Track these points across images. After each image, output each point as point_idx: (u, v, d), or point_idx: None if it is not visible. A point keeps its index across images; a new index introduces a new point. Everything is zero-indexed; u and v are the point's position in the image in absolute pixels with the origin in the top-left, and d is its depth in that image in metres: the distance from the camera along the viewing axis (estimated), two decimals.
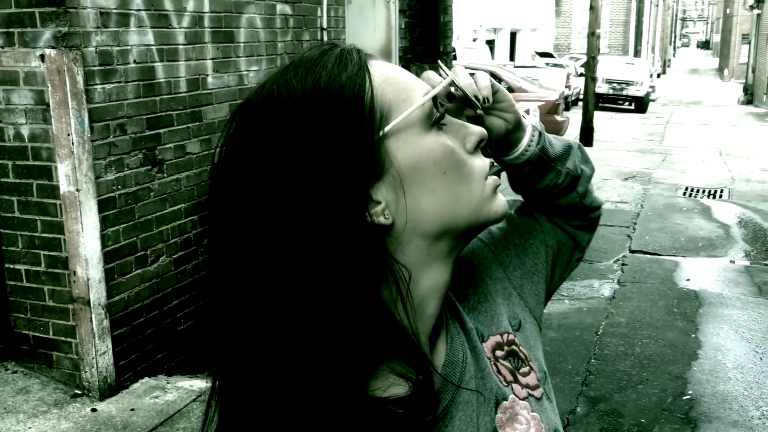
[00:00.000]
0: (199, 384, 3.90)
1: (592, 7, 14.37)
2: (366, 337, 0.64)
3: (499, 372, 0.80)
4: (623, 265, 6.67)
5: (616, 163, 12.25)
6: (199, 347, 4.23)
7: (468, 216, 0.71)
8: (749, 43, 30.21)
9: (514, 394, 0.80)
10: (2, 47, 3.31)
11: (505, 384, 0.80)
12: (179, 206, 4.00)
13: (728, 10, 43.16)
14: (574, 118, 15.30)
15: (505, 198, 0.74)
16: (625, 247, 7.24)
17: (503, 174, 0.87)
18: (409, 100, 0.69)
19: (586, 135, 14.38)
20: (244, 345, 0.66)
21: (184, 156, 4.01)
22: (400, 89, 0.69)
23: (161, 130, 3.83)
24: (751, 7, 28.10)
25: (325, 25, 5.29)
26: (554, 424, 0.85)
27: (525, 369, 0.85)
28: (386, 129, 0.67)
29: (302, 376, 0.63)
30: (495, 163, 0.79)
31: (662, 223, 8.23)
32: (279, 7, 4.77)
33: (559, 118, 12.88)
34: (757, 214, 8.72)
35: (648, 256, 7.00)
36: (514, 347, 0.85)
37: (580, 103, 16.46)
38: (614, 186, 10.25)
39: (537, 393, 0.84)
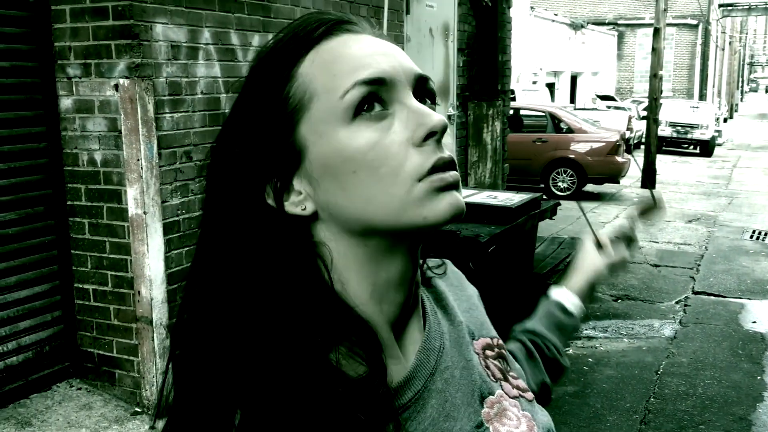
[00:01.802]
0: None
1: (654, 49, 14.27)
2: (311, 314, 0.64)
3: (487, 367, 0.79)
4: (686, 305, 6.50)
5: (680, 206, 11.99)
6: None
7: (385, 219, 0.64)
8: None
9: (502, 390, 0.78)
10: (79, 77, 3.53)
11: (494, 380, 0.78)
12: None
13: None
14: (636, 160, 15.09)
15: (459, 200, 0.65)
16: (687, 288, 7.06)
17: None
18: (334, 90, 0.64)
19: (649, 176, 14.15)
20: (211, 315, 0.65)
21: None
22: (332, 76, 0.65)
23: None
24: None
25: None
26: (548, 424, 0.80)
27: (514, 373, 0.84)
28: (301, 119, 0.65)
29: (263, 351, 0.61)
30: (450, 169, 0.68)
31: (728, 265, 8.00)
32: None
33: (619, 159, 12.73)
34: None
35: (712, 297, 6.80)
36: (503, 351, 0.85)
37: (643, 147, 16.25)
38: (677, 228, 10.03)
39: (528, 395, 0.82)
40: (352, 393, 0.61)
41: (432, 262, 0.87)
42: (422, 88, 0.69)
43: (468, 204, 3.05)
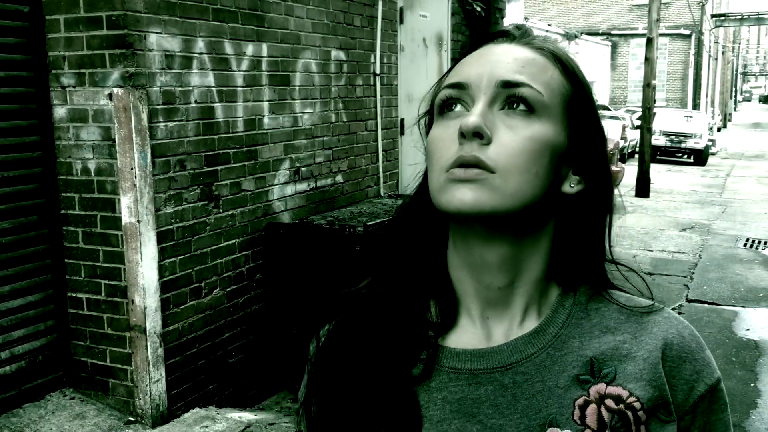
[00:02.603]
0: (248, 416, 3.95)
1: (647, 59, 14.35)
2: (428, 268, 0.82)
3: (584, 408, 0.73)
4: (680, 313, 6.51)
5: (674, 214, 12.03)
6: (249, 380, 4.30)
7: (432, 199, 0.77)
8: None
9: None
10: (73, 86, 3.54)
11: (579, 424, 0.73)
12: (233, 241, 4.13)
13: None
14: (630, 169, 15.15)
15: (479, 192, 0.71)
16: (681, 296, 7.08)
17: None
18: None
19: (642, 185, 14.20)
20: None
21: (240, 192, 4.16)
22: (452, 74, 0.81)
23: (218, 167, 3.99)
24: None
25: (378, 71, 5.46)
26: None
27: None
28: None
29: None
30: (466, 162, 0.73)
31: (721, 273, 8.02)
32: (334, 53, 4.95)
33: (614, 168, 12.77)
34: None
35: (706, 305, 6.82)
36: (630, 414, 0.73)
37: (637, 156, 16.30)
38: (671, 236, 10.06)
39: None
40: (416, 323, 0.79)
41: (638, 300, 0.83)
42: (511, 93, 0.75)
43: None
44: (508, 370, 0.76)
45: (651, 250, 9.12)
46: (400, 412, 0.75)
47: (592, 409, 0.73)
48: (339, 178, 5.09)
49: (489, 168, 0.72)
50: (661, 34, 23.50)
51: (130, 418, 3.69)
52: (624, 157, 17.64)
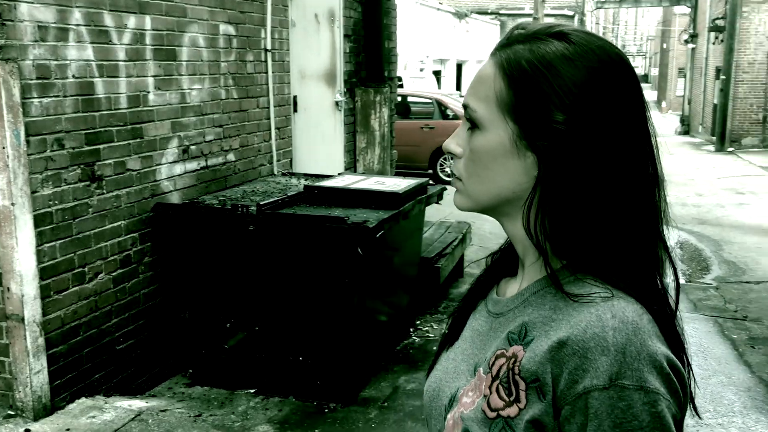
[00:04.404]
0: (139, 404, 3.83)
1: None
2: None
3: (498, 358, 0.87)
4: None
5: None
6: (139, 366, 4.15)
7: None
8: (685, 76, 31.42)
9: (487, 390, 0.86)
10: None
11: (489, 368, 0.87)
12: (119, 223, 3.95)
13: (665, 45, 44.88)
14: None
15: (458, 198, 0.94)
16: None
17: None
18: None
19: None
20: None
21: (125, 172, 3.98)
22: None
23: (101, 146, 3.79)
24: (686, 42, 29.29)
25: (269, 47, 5.34)
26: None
27: (506, 395, 0.83)
28: None
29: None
30: (453, 174, 0.96)
31: None
32: (222, 27, 4.80)
33: None
34: (692, 235, 9.02)
35: None
36: (512, 374, 0.83)
37: None
38: None
39: (490, 415, 0.83)
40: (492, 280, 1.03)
41: (591, 291, 0.84)
42: (465, 115, 0.92)
43: (355, 190, 3.12)
44: (497, 317, 0.93)
45: None
46: (457, 326, 1.03)
47: (501, 361, 0.85)
48: (231, 157, 4.97)
49: (460, 178, 0.92)
50: (546, 15, 24.27)
51: (10, 412, 3.48)
52: None
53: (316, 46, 6.24)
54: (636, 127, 0.86)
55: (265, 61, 5.34)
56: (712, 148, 20.06)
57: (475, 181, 0.90)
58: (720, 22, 21.22)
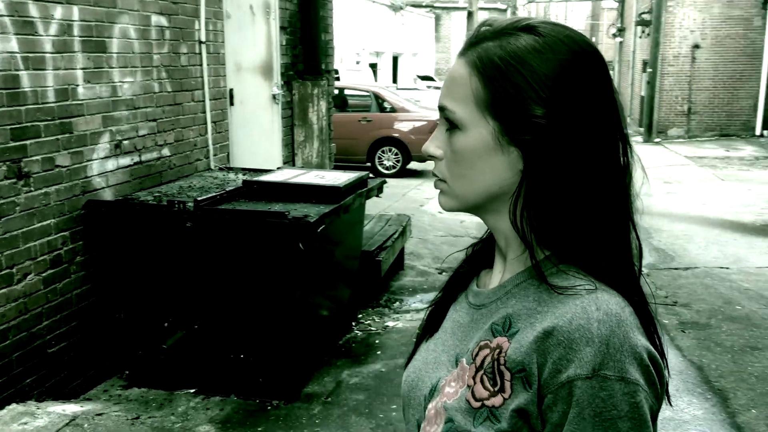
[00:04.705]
0: (73, 408, 3.70)
1: (468, 31, 14.94)
2: None
3: (483, 348, 0.88)
4: None
5: None
6: (74, 369, 4.01)
7: None
8: (613, 69, 32.29)
9: (471, 381, 0.87)
10: None
11: (472, 359, 0.88)
12: (49, 221, 3.80)
13: (594, 39, 46.04)
14: None
15: (443, 199, 0.94)
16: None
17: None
18: None
19: None
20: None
21: (53, 169, 3.82)
22: None
23: (27, 142, 3.64)
24: (614, 36, 30.10)
25: (203, 39, 5.22)
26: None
27: (491, 385, 0.85)
28: None
29: None
30: (435, 176, 0.96)
31: None
32: (154, 18, 4.66)
33: None
34: None
35: None
36: (504, 369, 0.84)
37: None
38: None
39: (474, 405, 0.85)
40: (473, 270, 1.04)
41: (576, 284, 0.86)
42: (442, 116, 0.92)
43: (296, 185, 3.07)
44: (478, 308, 0.94)
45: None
46: (435, 317, 1.04)
47: (485, 352, 0.87)
48: (165, 152, 4.84)
49: (443, 179, 0.92)
50: (480, 8, 24.52)
51: None
52: None
53: (251, 39, 6.14)
54: (609, 115, 0.88)
55: (200, 54, 5.22)
56: (640, 138, 20.68)
57: (461, 181, 0.90)
58: (646, 17, 21.87)
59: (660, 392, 0.83)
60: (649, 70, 20.41)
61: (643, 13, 22.73)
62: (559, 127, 0.84)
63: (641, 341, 0.81)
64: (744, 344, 5.09)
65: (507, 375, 0.83)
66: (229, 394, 4.04)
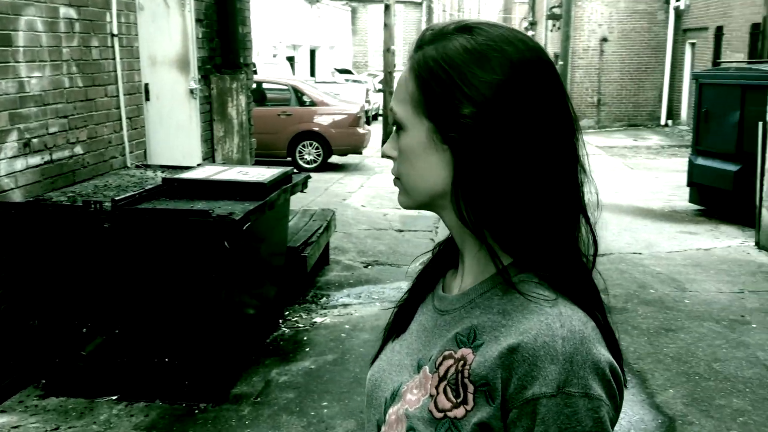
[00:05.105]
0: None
1: (386, 25, 14.98)
2: None
3: (446, 358, 0.88)
4: None
5: None
6: None
7: None
8: None
9: (433, 390, 0.87)
10: None
11: (435, 368, 0.88)
12: None
13: None
14: (375, 131, 15.81)
15: (400, 198, 0.96)
16: (429, 249, 7.57)
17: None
18: None
19: None
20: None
21: None
22: None
23: None
24: (526, 29, 30.81)
25: (115, 31, 5.02)
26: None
27: (453, 397, 0.85)
28: None
29: None
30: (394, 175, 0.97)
31: None
32: (63, 10, 4.44)
33: (361, 130, 13.23)
34: None
35: None
36: (467, 382, 0.84)
37: (380, 118, 17.04)
38: None
39: (437, 415, 0.85)
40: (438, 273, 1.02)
41: (539, 296, 0.86)
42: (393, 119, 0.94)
43: (219, 181, 3.00)
44: (442, 314, 0.94)
45: (399, 208, 9.63)
46: (402, 317, 1.03)
47: (449, 362, 0.87)
48: (78, 150, 4.63)
49: (398, 177, 0.94)
50: (397, 1, 24.61)
51: None
52: (369, 120, 18.36)
53: (166, 31, 5.95)
54: (548, 113, 0.87)
55: (112, 47, 5.02)
56: None
57: (408, 179, 0.93)
58: (557, 11, 22.49)
59: (619, 403, 0.85)
60: (560, 63, 21.01)
61: (554, 7, 23.36)
62: (486, 126, 0.85)
63: (604, 355, 0.82)
64: (659, 326, 5.31)
65: (470, 388, 0.83)
66: (154, 399, 3.92)
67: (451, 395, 0.85)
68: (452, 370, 0.85)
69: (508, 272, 0.87)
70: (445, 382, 0.86)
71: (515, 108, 0.85)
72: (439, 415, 0.85)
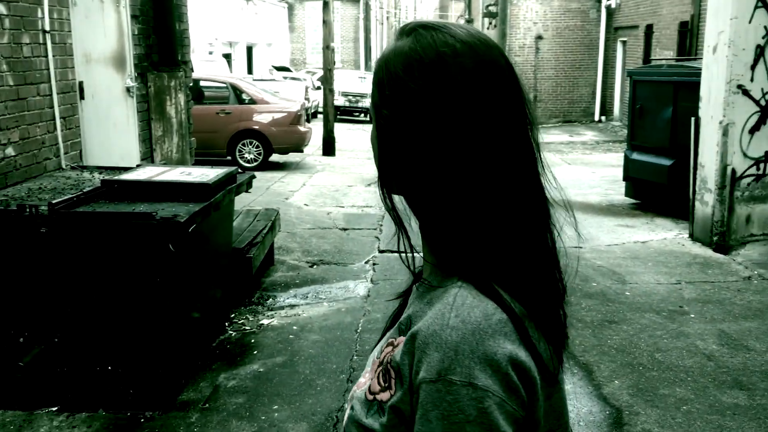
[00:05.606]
0: None
1: (325, 22, 14.87)
2: None
3: (388, 346, 0.93)
4: (374, 264, 6.94)
5: (358, 171, 12.78)
6: None
7: None
8: None
9: (374, 375, 0.94)
10: None
11: (380, 354, 0.94)
12: None
13: None
14: (315, 129, 15.70)
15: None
16: (374, 248, 7.54)
17: None
18: None
19: (328, 144, 14.83)
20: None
21: None
22: None
23: None
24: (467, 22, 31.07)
25: (47, 28, 4.82)
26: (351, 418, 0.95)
27: (383, 381, 0.90)
28: None
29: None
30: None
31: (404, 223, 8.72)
32: None
33: (302, 128, 13.11)
34: None
35: (395, 254, 7.36)
36: (389, 367, 0.90)
37: (320, 116, 16.93)
38: (359, 192, 10.67)
39: (369, 397, 0.92)
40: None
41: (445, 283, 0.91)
42: None
43: (161, 183, 2.90)
44: (410, 305, 0.96)
45: (343, 207, 9.58)
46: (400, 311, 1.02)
47: (388, 349, 0.92)
48: (10, 151, 4.42)
49: None
50: None
51: None
52: (309, 118, 18.22)
53: (101, 28, 5.75)
54: (469, 116, 0.87)
55: (44, 44, 4.82)
56: None
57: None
58: (493, 9, 22.76)
59: (527, 400, 0.83)
60: None
61: (490, 5, 23.65)
62: (396, 123, 0.89)
63: (504, 349, 0.81)
64: (602, 319, 5.42)
65: (392, 373, 0.88)
66: (97, 409, 3.78)
67: (381, 380, 0.90)
68: (388, 356, 0.91)
69: (430, 265, 0.93)
70: (381, 368, 0.91)
71: (427, 108, 0.87)
72: (371, 397, 0.91)
